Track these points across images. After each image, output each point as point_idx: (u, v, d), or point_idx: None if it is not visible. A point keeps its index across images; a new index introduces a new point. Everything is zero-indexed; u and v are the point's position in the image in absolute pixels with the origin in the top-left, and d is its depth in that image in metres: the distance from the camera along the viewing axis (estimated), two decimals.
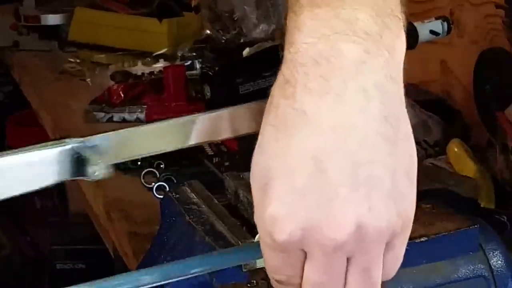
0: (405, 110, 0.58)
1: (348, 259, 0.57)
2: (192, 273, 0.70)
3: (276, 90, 0.58)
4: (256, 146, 0.59)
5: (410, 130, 0.58)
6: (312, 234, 0.55)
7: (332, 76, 0.56)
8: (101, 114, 1.68)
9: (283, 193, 0.56)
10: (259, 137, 0.58)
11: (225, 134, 0.70)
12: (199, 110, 1.48)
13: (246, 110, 0.68)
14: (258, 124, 0.60)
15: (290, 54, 0.58)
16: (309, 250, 0.57)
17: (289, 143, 0.56)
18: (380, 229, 0.56)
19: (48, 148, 0.65)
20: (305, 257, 0.57)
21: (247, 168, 0.60)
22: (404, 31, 0.60)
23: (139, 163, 1.31)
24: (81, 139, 0.66)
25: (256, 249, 0.61)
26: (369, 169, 0.55)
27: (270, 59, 1.42)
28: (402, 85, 0.58)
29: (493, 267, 0.82)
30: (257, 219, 0.58)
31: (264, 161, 0.57)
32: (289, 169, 0.56)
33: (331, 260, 0.56)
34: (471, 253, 0.82)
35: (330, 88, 0.56)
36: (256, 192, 0.58)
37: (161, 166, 1.32)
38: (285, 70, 0.58)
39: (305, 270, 0.57)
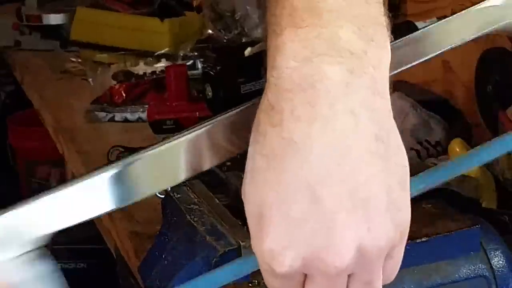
0: (394, 121, 0.57)
1: (349, 275, 0.57)
2: None
3: (262, 116, 0.56)
4: (246, 176, 0.57)
5: (400, 140, 0.57)
6: (313, 263, 0.55)
7: (318, 102, 0.54)
8: (103, 114, 1.68)
9: (280, 225, 0.55)
10: (248, 165, 0.57)
11: (208, 160, 0.61)
12: (200, 110, 1.50)
13: (222, 127, 0.61)
14: (238, 137, 0.59)
15: (273, 79, 0.56)
16: (310, 274, 0.56)
17: (281, 173, 0.55)
18: (380, 247, 0.56)
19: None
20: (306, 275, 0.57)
21: None
22: (389, 35, 0.58)
23: None
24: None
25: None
26: (365, 190, 0.54)
27: None
28: (388, 97, 0.57)
29: (494, 267, 0.82)
30: (254, 249, 0.57)
31: (256, 192, 0.56)
32: (284, 200, 0.55)
33: (333, 282, 0.56)
34: (472, 253, 0.82)
35: (318, 114, 0.54)
36: (251, 223, 0.57)
37: None
38: (270, 95, 0.56)
39: None
